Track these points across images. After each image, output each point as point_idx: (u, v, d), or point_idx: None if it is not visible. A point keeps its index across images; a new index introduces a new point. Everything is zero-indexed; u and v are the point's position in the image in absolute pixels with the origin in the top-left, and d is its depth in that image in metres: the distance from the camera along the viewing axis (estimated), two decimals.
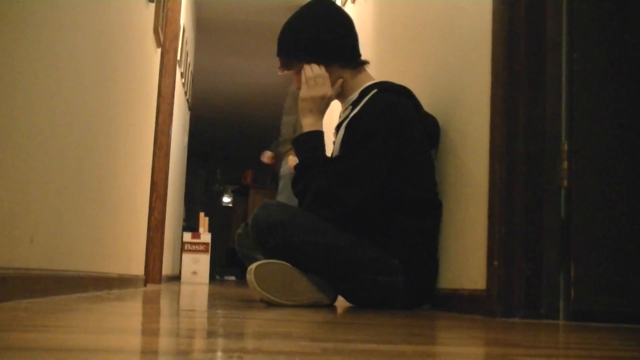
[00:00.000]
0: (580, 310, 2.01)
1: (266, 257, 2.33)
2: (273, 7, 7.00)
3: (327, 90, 2.52)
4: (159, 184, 5.10)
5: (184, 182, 8.26)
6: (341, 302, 2.55)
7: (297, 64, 2.55)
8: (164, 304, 2.21)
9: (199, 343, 0.99)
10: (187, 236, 6.22)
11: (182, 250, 6.37)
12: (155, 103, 4.48)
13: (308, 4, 2.61)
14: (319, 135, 2.50)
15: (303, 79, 2.54)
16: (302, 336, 1.21)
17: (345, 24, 2.58)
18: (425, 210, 2.45)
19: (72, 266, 2.24)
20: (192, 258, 6.13)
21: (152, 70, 4.16)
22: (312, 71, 2.52)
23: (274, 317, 1.70)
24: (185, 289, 4.27)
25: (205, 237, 6.25)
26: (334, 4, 2.68)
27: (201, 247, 6.21)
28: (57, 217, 2.03)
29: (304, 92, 2.54)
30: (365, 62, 2.60)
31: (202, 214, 6.61)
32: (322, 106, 2.53)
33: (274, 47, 2.61)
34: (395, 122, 2.39)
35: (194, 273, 6.16)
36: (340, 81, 2.55)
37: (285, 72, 2.62)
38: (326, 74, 2.52)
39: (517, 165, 2.07)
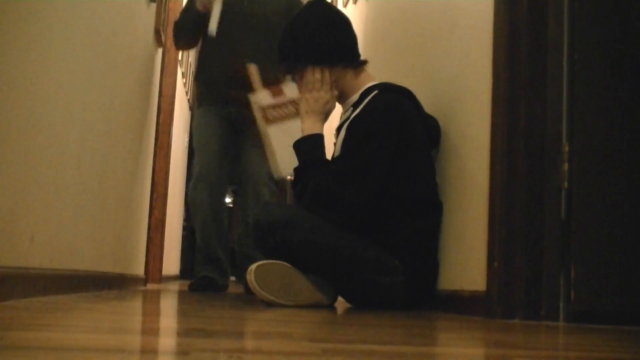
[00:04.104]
0: (581, 311, 2.01)
1: (266, 257, 2.33)
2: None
3: (327, 94, 2.52)
4: (160, 183, 5.10)
5: (184, 182, 8.26)
6: (341, 303, 2.55)
7: (300, 68, 2.55)
8: (164, 304, 2.21)
9: (199, 343, 0.99)
10: (265, 96, 3.60)
11: (265, 120, 3.65)
12: (156, 102, 4.48)
13: (305, 8, 2.61)
14: (318, 137, 2.50)
15: (304, 82, 2.54)
16: (302, 336, 1.21)
17: (344, 24, 2.58)
18: (426, 210, 2.45)
19: (72, 265, 2.24)
20: (283, 129, 3.66)
21: (153, 70, 4.16)
22: (313, 75, 2.52)
23: (273, 317, 1.70)
24: (185, 288, 4.26)
25: (291, 89, 3.58)
26: (331, 5, 2.68)
27: (289, 109, 3.62)
28: (57, 216, 2.03)
29: (304, 96, 2.55)
30: (365, 62, 2.60)
31: (252, 66, 3.75)
32: (321, 110, 2.53)
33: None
34: (396, 123, 2.39)
35: None
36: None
37: (289, 77, 2.63)
38: (327, 78, 2.53)
39: (517, 166, 2.07)
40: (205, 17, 3.84)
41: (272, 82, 3.53)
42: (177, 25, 4.08)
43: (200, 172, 4.03)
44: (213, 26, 3.77)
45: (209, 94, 4.05)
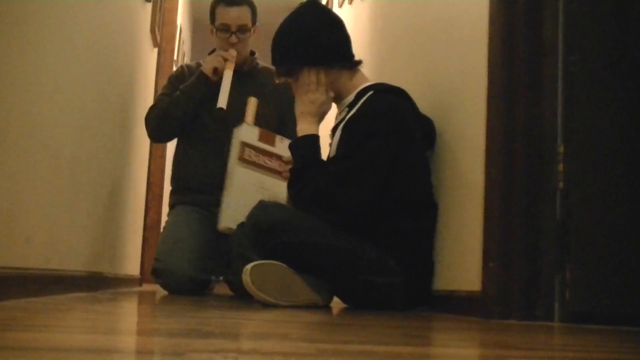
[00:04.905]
0: (577, 312, 2.02)
1: (264, 258, 2.33)
2: (270, 7, 7.00)
3: (322, 95, 2.52)
4: (155, 184, 5.10)
5: None
6: (337, 303, 2.55)
7: (297, 70, 2.54)
8: (160, 304, 2.21)
9: (195, 343, 0.99)
10: (251, 133, 3.00)
11: (239, 157, 2.96)
12: (152, 103, 4.48)
13: (299, 9, 2.59)
14: (314, 138, 2.49)
15: (299, 84, 2.53)
16: (299, 337, 1.22)
17: (338, 25, 2.58)
18: (422, 211, 2.45)
19: (68, 266, 2.24)
20: (251, 179, 2.97)
21: (149, 70, 4.16)
22: (309, 77, 2.51)
23: (270, 317, 1.70)
24: None
25: (283, 147, 2.99)
26: (324, 6, 2.68)
27: (271, 163, 3.01)
28: (53, 217, 2.03)
29: (299, 97, 2.54)
30: (360, 62, 2.60)
31: (253, 99, 3.13)
32: (317, 111, 2.53)
33: (270, 48, 2.59)
34: (395, 124, 2.39)
35: None
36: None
37: (283, 79, 2.61)
38: (322, 80, 2.52)
39: (513, 167, 2.07)
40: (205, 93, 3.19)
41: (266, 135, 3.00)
42: (168, 106, 3.23)
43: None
44: (224, 98, 3.07)
45: (187, 198, 3.30)
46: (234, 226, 2.73)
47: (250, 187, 2.89)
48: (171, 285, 3.09)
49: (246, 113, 3.01)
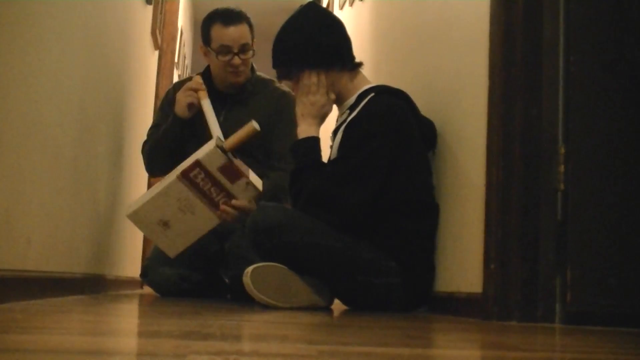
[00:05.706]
0: (577, 313, 2.01)
1: (263, 259, 2.33)
2: (271, 9, 7.01)
3: (323, 97, 2.52)
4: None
5: None
6: (337, 305, 2.55)
7: (298, 73, 2.54)
8: (160, 306, 2.21)
9: (196, 345, 0.99)
10: (217, 160, 2.63)
11: (184, 173, 2.64)
12: (153, 105, 4.49)
13: (298, 11, 2.59)
14: (314, 140, 2.49)
15: (300, 86, 2.53)
16: (298, 339, 1.22)
17: (339, 26, 2.58)
18: (422, 212, 2.45)
19: (68, 268, 2.24)
20: (188, 200, 2.67)
21: (150, 72, 4.17)
22: (310, 79, 2.51)
23: (270, 319, 1.70)
24: None
25: (244, 191, 2.72)
26: (324, 8, 2.67)
27: (220, 197, 2.69)
28: (53, 218, 2.03)
29: (299, 99, 2.54)
30: (360, 64, 2.60)
31: (253, 125, 2.72)
32: (317, 113, 2.53)
33: (271, 50, 2.59)
34: (394, 125, 2.39)
35: (164, 224, 2.70)
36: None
37: (285, 82, 2.61)
38: (323, 82, 2.52)
39: (513, 168, 2.07)
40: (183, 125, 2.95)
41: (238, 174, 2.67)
42: (153, 146, 3.08)
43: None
44: (216, 130, 2.80)
45: None
46: (132, 213, 2.70)
47: (174, 203, 2.68)
48: (160, 285, 3.03)
49: (234, 134, 2.68)
